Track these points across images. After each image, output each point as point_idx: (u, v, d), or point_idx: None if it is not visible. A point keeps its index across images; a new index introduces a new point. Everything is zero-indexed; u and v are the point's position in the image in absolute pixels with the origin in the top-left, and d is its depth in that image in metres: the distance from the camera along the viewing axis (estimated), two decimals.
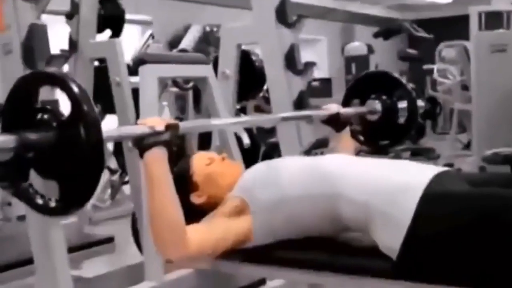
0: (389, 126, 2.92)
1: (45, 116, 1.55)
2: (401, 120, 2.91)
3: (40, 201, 1.61)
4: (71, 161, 1.51)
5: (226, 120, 2.74)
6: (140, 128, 1.84)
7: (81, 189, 1.55)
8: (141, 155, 1.83)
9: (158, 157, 1.83)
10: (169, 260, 2.29)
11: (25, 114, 1.57)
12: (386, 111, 2.90)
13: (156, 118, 1.91)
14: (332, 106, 2.63)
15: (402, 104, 2.91)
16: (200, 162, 2.18)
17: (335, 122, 2.62)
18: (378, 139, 2.98)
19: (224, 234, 1.99)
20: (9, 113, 1.61)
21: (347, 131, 2.65)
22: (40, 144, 1.52)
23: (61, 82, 1.54)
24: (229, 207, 2.05)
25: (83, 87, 1.53)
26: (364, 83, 2.99)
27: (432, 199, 1.82)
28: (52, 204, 1.59)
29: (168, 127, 1.85)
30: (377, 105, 2.90)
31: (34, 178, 1.60)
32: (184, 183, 2.12)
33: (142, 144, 1.82)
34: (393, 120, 2.90)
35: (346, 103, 2.90)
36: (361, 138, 2.94)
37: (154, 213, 1.85)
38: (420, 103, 3.02)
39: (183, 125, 1.94)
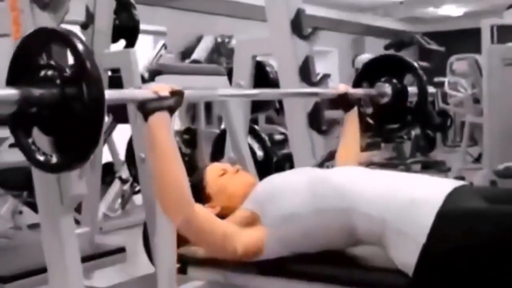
0: (399, 110, 2.90)
1: (49, 73, 1.57)
2: (411, 104, 2.89)
3: (41, 157, 1.64)
4: (73, 118, 1.54)
5: (229, 90, 2.72)
6: (145, 92, 1.86)
7: (81, 145, 1.57)
8: (145, 119, 1.85)
9: (161, 121, 1.85)
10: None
11: (29, 71, 1.59)
12: (396, 94, 2.88)
13: (161, 84, 1.92)
14: (340, 86, 2.63)
15: (412, 88, 2.90)
16: (214, 174, 2.18)
17: (343, 102, 2.62)
18: (387, 122, 2.96)
19: (233, 232, 1.99)
20: (14, 68, 1.63)
21: (354, 111, 2.64)
22: (43, 100, 1.54)
23: (66, 39, 1.56)
24: (240, 217, 2.05)
25: (87, 46, 1.56)
26: (374, 66, 2.98)
27: (448, 216, 1.80)
28: (54, 160, 1.61)
29: (173, 93, 1.87)
30: (386, 88, 2.88)
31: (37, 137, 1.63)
32: (197, 194, 2.11)
33: (146, 108, 1.84)
34: (402, 103, 2.88)
35: (356, 85, 2.89)
36: (370, 121, 2.92)
37: (158, 176, 1.87)
38: (431, 89, 3.00)
39: (188, 93, 1.95)
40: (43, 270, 2.29)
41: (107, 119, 4.75)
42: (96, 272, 3.69)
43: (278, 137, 4.67)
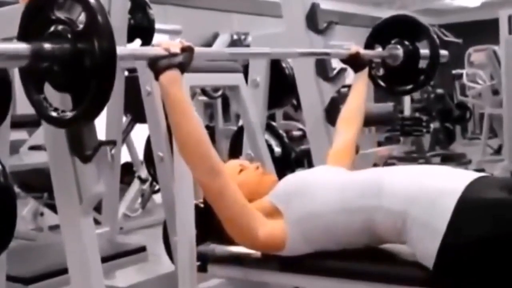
0: (410, 72, 2.88)
1: (60, 28, 1.56)
2: (423, 65, 2.87)
3: (54, 113, 1.63)
4: (84, 73, 1.53)
5: (239, 49, 2.70)
6: (155, 50, 1.86)
7: (93, 101, 1.56)
8: (156, 76, 1.85)
9: (173, 78, 1.85)
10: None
11: (40, 25, 1.58)
12: (408, 56, 2.86)
13: (171, 41, 1.91)
14: (352, 46, 2.63)
15: (424, 51, 2.88)
16: (232, 170, 2.17)
17: (355, 61, 2.64)
18: (400, 84, 2.95)
19: (258, 217, 1.98)
20: (25, 24, 1.62)
21: (365, 71, 2.65)
22: (54, 55, 1.54)
23: None
24: (261, 207, 2.04)
25: (99, 1, 1.54)
26: (386, 27, 2.96)
27: (468, 206, 1.78)
28: (68, 115, 1.60)
29: (183, 49, 1.86)
30: (398, 50, 2.87)
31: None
32: None
33: (157, 65, 1.84)
34: (414, 65, 2.86)
35: (368, 46, 2.88)
36: (383, 84, 2.91)
37: (180, 137, 1.88)
38: (443, 52, 2.98)
39: (198, 50, 1.94)
40: (65, 271, 2.29)
41: (125, 119, 4.76)
42: (117, 271, 3.70)
43: (296, 133, 4.67)
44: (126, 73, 3.80)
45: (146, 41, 4.13)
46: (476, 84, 8.91)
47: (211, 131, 5.29)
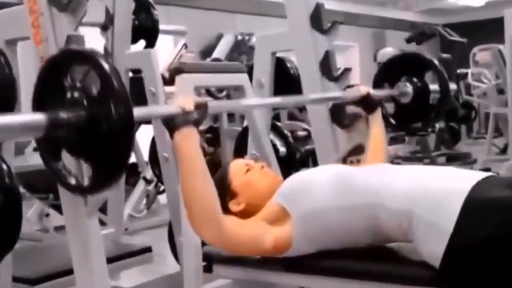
0: (421, 108, 2.88)
1: (75, 95, 1.55)
2: (433, 101, 2.87)
3: (73, 181, 1.62)
4: (102, 139, 1.51)
5: (254, 100, 2.71)
6: (170, 108, 1.86)
7: (113, 166, 1.55)
8: (171, 134, 1.85)
9: (188, 136, 1.85)
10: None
11: (55, 93, 1.57)
12: (417, 93, 2.86)
13: (185, 98, 1.91)
14: (362, 87, 2.62)
15: (434, 86, 2.88)
16: (238, 170, 2.18)
17: (366, 103, 2.61)
18: (410, 121, 2.95)
19: (262, 233, 1.98)
20: (39, 92, 1.62)
21: (378, 112, 2.63)
22: (70, 123, 1.52)
23: (91, 59, 1.54)
24: (269, 212, 2.04)
25: (113, 64, 1.53)
26: (393, 65, 2.97)
27: (475, 205, 1.78)
28: (86, 183, 1.59)
29: (197, 106, 1.86)
30: (408, 88, 2.87)
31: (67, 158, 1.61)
32: (222, 190, 2.11)
33: (172, 123, 1.84)
34: (424, 102, 2.87)
35: (377, 85, 2.88)
36: (393, 121, 2.91)
37: (186, 192, 1.87)
38: (452, 86, 2.99)
39: (212, 105, 1.95)
40: (70, 271, 2.30)
41: None
42: (123, 272, 3.70)
43: (301, 133, 4.66)
44: (131, 74, 3.80)
45: (150, 42, 4.14)
46: (481, 84, 8.90)
47: (216, 132, 5.27)
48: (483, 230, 1.74)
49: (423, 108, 2.91)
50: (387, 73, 2.95)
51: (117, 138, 1.51)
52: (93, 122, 1.52)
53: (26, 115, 1.52)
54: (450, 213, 1.78)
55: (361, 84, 2.71)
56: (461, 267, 1.77)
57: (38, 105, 1.60)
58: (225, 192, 2.12)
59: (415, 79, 2.89)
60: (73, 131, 1.53)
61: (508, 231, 1.72)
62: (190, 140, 1.86)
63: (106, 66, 1.52)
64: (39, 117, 1.50)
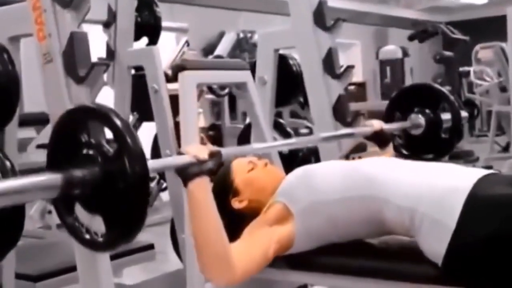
0: (433, 140, 2.89)
1: (91, 152, 1.53)
2: (445, 132, 2.88)
3: (87, 236, 1.59)
4: (117, 196, 1.50)
5: (267, 144, 2.72)
6: (184, 158, 1.82)
7: (127, 224, 1.52)
8: (185, 184, 1.82)
9: (202, 186, 1.82)
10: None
11: (70, 150, 1.56)
12: (430, 125, 2.86)
13: (199, 146, 1.89)
14: (375, 123, 2.60)
15: (446, 116, 2.88)
16: (241, 167, 2.18)
17: (379, 138, 2.60)
18: (422, 153, 2.94)
19: (267, 247, 1.96)
20: (54, 149, 1.60)
21: (390, 147, 2.64)
22: (85, 181, 1.50)
23: (104, 117, 1.52)
24: (270, 213, 2.03)
25: (126, 120, 1.51)
26: (406, 95, 2.97)
27: (477, 204, 1.77)
28: (99, 239, 1.57)
29: (212, 155, 1.84)
30: (420, 119, 2.87)
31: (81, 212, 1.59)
32: (225, 188, 2.11)
33: (186, 173, 1.81)
34: (436, 133, 2.87)
35: (388, 117, 2.87)
36: (405, 152, 2.91)
37: (198, 242, 1.84)
38: (464, 113, 2.98)
39: (225, 152, 1.93)
40: (73, 268, 2.30)
41: (132, 117, 4.76)
42: (125, 269, 3.70)
43: (303, 130, 4.66)
44: (133, 71, 3.80)
45: (153, 40, 4.14)
46: (484, 81, 8.89)
47: (218, 129, 5.29)
48: (485, 228, 1.74)
49: (435, 140, 2.91)
50: (399, 104, 2.95)
51: (133, 196, 1.49)
52: (108, 179, 1.50)
53: (41, 176, 1.49)
54: (452, 211, 1.78)
55: (374, 119, 2.69)
56: (463, 265, 1.76)
57: (52, 162, 1.59)
58: (228, 189, 2.13)
59: (427, 110, 2.89)
60: (88, 188, 1.52)
61: (510, 229, 1.72)
62: (204, 190, 1.83)
63: (119, 124, 1.50)
64: (55, 177, 1.48)
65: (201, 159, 1.81)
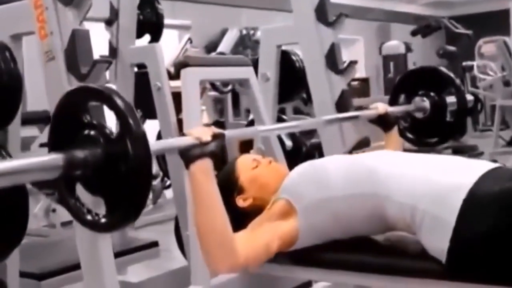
0: (438, 123, 2.87)
1: (92, 133, 1.53)
2: (450, 116, 2.87)
3: (88, 217, 1.59)
4: (119, 177, 1.49)
5: (270, 126, 2.71)
6: (186, 140, 1.81)
7: (129, 205, 1.52)
8: (187, 166, 1.81)
9: (204, 168, 1.81)
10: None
11: (71, 131, 1.55)
12: (434, 108, 2.85)
13: (201, 128, 1.88)
14: (380, 105, 2.60)
15: (451, 100, 2.87)
16: (246, 165, 2.17)
17: (384, 121, 2.60)
18: (427, 136, 2.94)
19: (270, 241, 1.95)
20: (55, 130, 1.60)
21: (395, 131, 2.62)
22: (87, 162, 1.50)
23: (107, 97, 1.52)
24: (274, 210, 2.02)
25: (129, 102, 1.51)
26: (411, 79, 2.96)
27: (477, 199, 1.76)
28: (101, 220, 1.56)
29: (214, 136, 1.83)
30: (425, 103, 2.86)
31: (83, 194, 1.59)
32: (229, 186, 2.11)
33: (188, 155, 1.80)
34: (441, 117, 2.85)
35: (393, 100, 2.87)
36: (410, 135, 2.91)
37: (201, 226, 1.83)
38: (469, 97, 2.97)
39: (229, 134, 1.92)
40: (78, 266, 2.30)
41: None
42: (129, 267, 3.70)
43: None
44: (136, 69, 3.80)
45: (155, 37, 4.14)
46: (487, 76, 8.88)
47: (222, 126, 5.27)
48: (484, 223, 1.73)
49: (440, 123, 2.89)
50: (404, 87, 2.94)
51: (134, 178, 1.48)
52: (109, 160, 1.50)
53: (43, 157, 1.49)
54: (453, 208, 1.76)
55: (379, 102, 2.68)
56: (466, 261, 1.75)
57: (54, 143, 1.58)
58: (233, 187, 2.12)
59: (432, 94, 2.88)
60: (90, 169, 1.51)
61: (508, 222, 1.71)
62: (206, 173, 1.82)
63: (122, 104, 1.49)
64: (57, 158, 1.48)
65: (204, 141, 1.80)
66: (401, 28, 12.83)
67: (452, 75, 2.92)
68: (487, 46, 9.02)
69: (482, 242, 1.72)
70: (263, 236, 1.96)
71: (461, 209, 1.75)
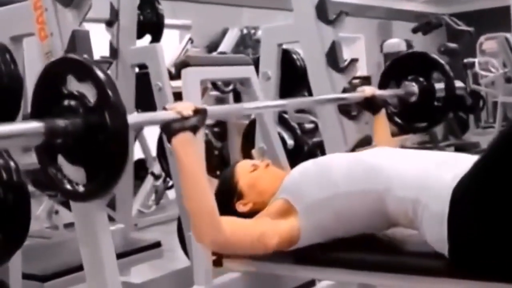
0: (427, 108, 2.88)
1: (72, 103, 1.57)
2: (439, 101, 2.87)
3: (68, 186, 1.64)
4: (97, 147, 1.54)
5: (256, 104, 2.70)
6: (168, 114, 1.85)
7: (107, 175, 1.57)
8: (169, 139, 1.84)
9: (185, 142, 1.84)
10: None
11: (52, 101, 1.60)
12: (423, 92, 2.86)
13: (183, 103, 1.92)
14: (367, 89, 2.61)
15: (440, 85, 2.88)
16: (244, 170, 2.17)
17: (371, 104, 2.61)
18: (415, 121, 2.95)
19: (264, 230, 1.96)
20: (37, 99, 1.64)
21: (383, 113, 2.62)
22: (68, 131, 1.55)
23: (86, 68, 1.56)
24: (271, 209, 2.03)
25: (109, 74, 1.55)
26: (400, 64, 2.97)
27: (463, 184, 1.74)
28: (80, 189, 1.62)
29: (196, 111, 1.86)
30: (413, 87, 2.87)
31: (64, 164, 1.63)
32: (229, 191, 2.11)
33: (170, 128, 1.83)
34: (430, 101, 2.86)
35: (382, 85, 2.87)
36: (398, 120, 2.91)
37: (185, 197, 1.86)
38: (459, 83, 2.99)
39: (212, 110, 1.94)
40: (80, 268, 2.30)
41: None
42: (133, 268, 3.71)
43: (308, 125, 4.65)
44: (137, 69, 3.80)
45: (156, 37, 4.14)
46: (489, 73, 8.86)
47: (223, 126, 5.27)
48: (471, 209, 1.72)
49: (429, 108, 2.90)
50: (394, 72, 2.95)
51: (112, 147, 1.54)
52: (89, 130, 1.55)
53: (25, 123, 1.54)
54: (447, 197, 1.76)
55: (366, 86, 2.69)
56: (468, 256, 1.74)
57: (37, 112, 1.63)
58: (232, 193, 2.13)
59: (421, 79, 2.89)
60: (70, 139, 1.56)
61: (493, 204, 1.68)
62: (188, 146, 1.84)
63: (101, 75, 1.54)
64: (38, 125, 1.52)
65: (185, 115, 1.83)
66: (402, 25, 12.80)
67: (441, 60, 2.93)
68: (488, 43, 9.01)
69: (476, 234, 1.71)
70: (255, 225, 1.97)
71: (452, 198, 1.74)
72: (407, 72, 2.92)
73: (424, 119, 2.96)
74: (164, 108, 1.90)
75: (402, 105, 2.93)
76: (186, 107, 1.86)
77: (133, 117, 1.67)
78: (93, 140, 1.54)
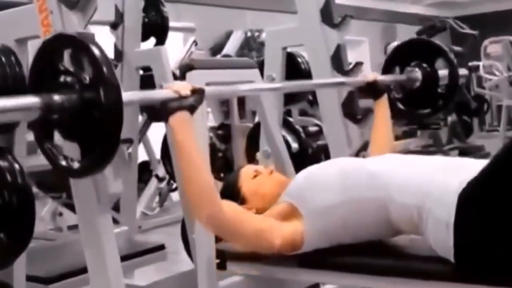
0: (430, 95, 2.87)
1: (68, 79, 1.59)
2: (442, 88, 2.86)
3: (63, 162, 1.66)
4: (92, 123, 1.56)
5: (252, 86, 2.68)
6: (165, 92, 1.86)
7: (101, 151, 1.59)
8: (166, 118, 1.84)
9: (182, 121, 1.84)
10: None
11: (49, 76, 1.62)
12: (426, 79, 2.85)
13: (182, 83, 1.93)
14: (369, 74, 2.59)
15: (443, 72, 2.87)
16: (247, 176, 2.18)
17: (373, 90, 2.58)
18: (418, 107, 2.93)
19: (267, 227, 1.97)
20: (34, 75, 1.66)
21: (384, 99, 2.59)
22: (64, 107, 1.56)
23: (82, 44, 1.58)
24: (275, 210, 2.03)
25: (104, 51, 1.57)
26: (403, 51, 2.96)
27: (470, 190, 1.74)
28: (75, 165, 1.63)
29: (194, 91, 1.86)
30: (416, 73, 2.86)
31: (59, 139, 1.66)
32: (233, 196, 2.12)
33: (167, 108, 1.83)
34: (433, 88, 2.85)
35: (386, 71, 2.86)
36: (401, 107, 2.90)
37: (182, 176, 1.87)
38: (463, 71, 2.98)
39: (209, 90, 1.94)
40: (85, 270, 2.30)
41: (141, 118, 4.76)
42: (136, 270, 3.71)
43: (312, 128, 4.64)
44: (141, 72, 3.80)
45: (160, 40, 4.14)
46: (493, 76, 8.85)
47: (227, 128, 5.26)
48: (479, 219, 1.72)
49: (432, 95, 2.89)
50: (398, 59, 2.94)
51: (106, 124, 1.56)
52: (84, 106, 1.57)
53: (22, 98, 1.56)
54: (452, 203, 1.76)
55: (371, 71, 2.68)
56: (473, 260, 1.75)
57: (33, 88, 1.64)
58: (235, 198, 2.14)
59: (424, 65, 2.87)
60: (66, 114, 1.58)
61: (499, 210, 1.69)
62: (185, 125, 1.85)
63: (97, 52, 1.56)
64: (34, 100, 1.55)
65: (183, 95, 1.83)
66: (406, 28, 12.79)
67: (444, 47, 2.92)
68: (493, 46, 9.00)
69: (480, 238, 1.72)
70: (260, 219, 2.00)
71: (458, 204, 1.74)
72: (411, 59, 2.91)
73: (427, 106, 2.94)
74: (161, 87, 1.91)
75: (405, 91, 2.91)
76: (183, 87, 1.87)
77: (129, 95, 1.68)
78: (88, 116, 1.56)
